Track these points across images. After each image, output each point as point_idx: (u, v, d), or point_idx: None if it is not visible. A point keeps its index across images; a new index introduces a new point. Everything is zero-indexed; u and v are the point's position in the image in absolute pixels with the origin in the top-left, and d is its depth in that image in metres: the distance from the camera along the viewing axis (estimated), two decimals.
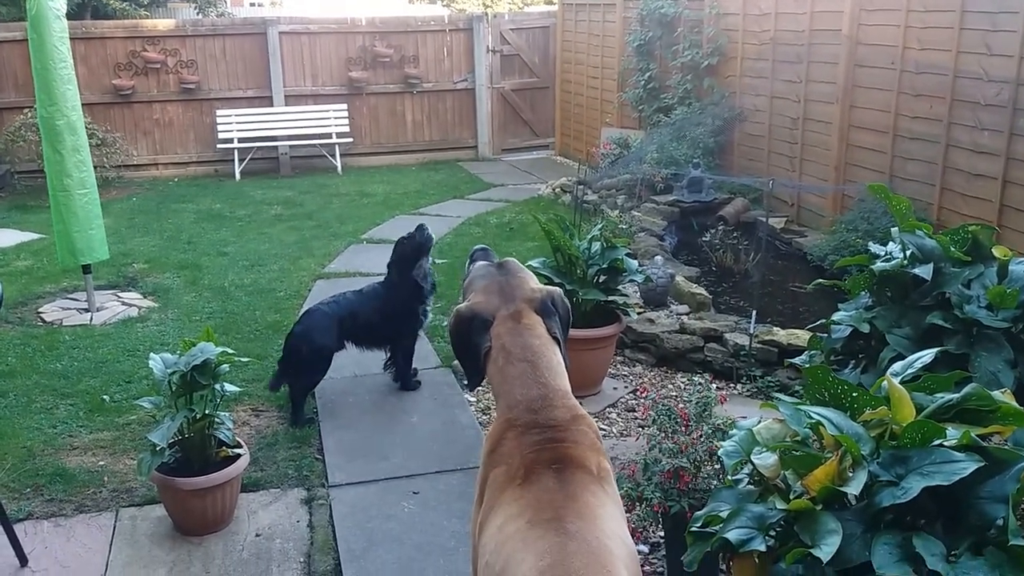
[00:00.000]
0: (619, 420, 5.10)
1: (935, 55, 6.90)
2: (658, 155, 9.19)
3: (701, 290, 6.46)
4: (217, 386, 4.10)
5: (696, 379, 5.57)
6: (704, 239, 7.94)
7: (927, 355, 2.80)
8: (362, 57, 13.59)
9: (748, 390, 5.38)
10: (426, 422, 5.15)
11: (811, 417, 2.57)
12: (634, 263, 5.34)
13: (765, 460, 2.72)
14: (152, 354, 4.16)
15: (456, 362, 5.86)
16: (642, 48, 11.03)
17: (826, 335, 4.27)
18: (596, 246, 5.25)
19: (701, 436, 3.68)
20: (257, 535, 4.14)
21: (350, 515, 4.25)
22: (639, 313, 5.72)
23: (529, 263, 5.48)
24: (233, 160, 12.68)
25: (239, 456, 4.18)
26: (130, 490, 4.48)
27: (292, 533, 4.15)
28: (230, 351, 4.15)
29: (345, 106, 13.40)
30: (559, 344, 2.46)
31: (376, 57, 13.59)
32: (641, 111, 11.11)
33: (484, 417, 5.20)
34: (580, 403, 2.42)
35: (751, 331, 5.48)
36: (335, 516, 4.25)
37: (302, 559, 3.96)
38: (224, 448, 4.18)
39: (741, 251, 7.63)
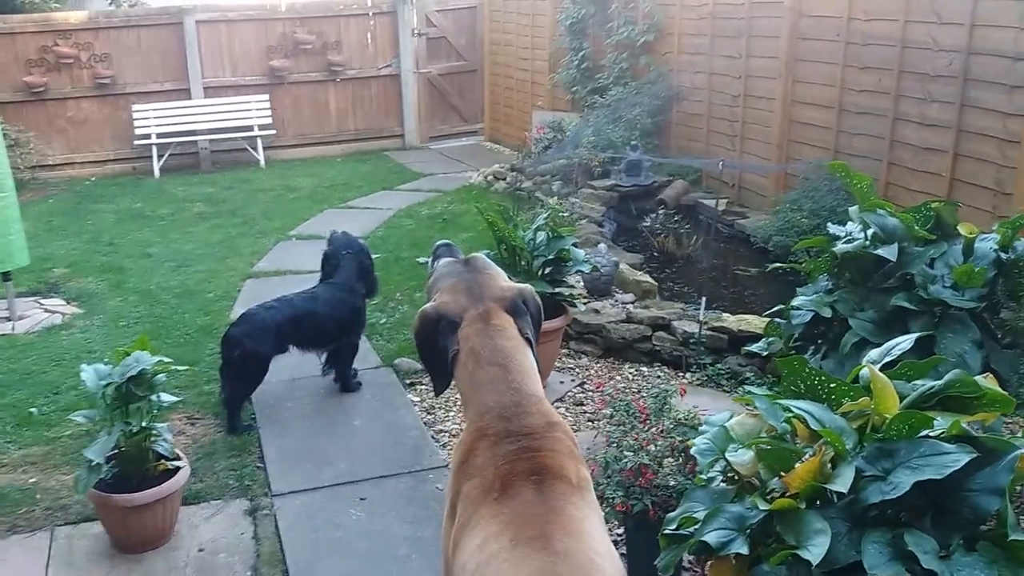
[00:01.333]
0: (568, 415, 4.99)
1: (882, 25, 6.89)
2: (595, 138, 9.08)
3: (646, 278, 6.39)
4: (154, 397, 3.89)
5: (644, 370, 5.55)
6: (645, 224, 7.87)
7: (905, 341, 2.75)
8: (283, 45, 13.18)
9: (699, 379, 5.32)
10: (370, 425, 4.97)
11: (791, 411, 2.48)
12: (581, 253, 5.23)
13: (741, 457, 2.64)
14: (84, 365, 3.94)
15: (398, 361, 5.68)
16: (575, 27, 10.91)
17: (784, 321, 4.23)
18: (541, 236, 5.13)
19: (663, 431, 3.59)
20: (200, 550, 3.94)
21: (296, 525, 4.07)
22: (584, 303, 5.61)
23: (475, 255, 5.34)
24: (152, 157, 12.18)
25: (179, 469, 4.00)
26: (65, 507, 4.24)
27: (237, 546, 3.96)
28: (166, 360, 3.93)
29: (267, 97, 12.99)
30: (531, 345, 2.33)
31: (297, 44, 13.20)
32: (575, 93, 11.00)
33: (429, 417, 5.04)
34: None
35: (700, 318, 5.42)
36: (281, 527, 4.07)
37: (248, 573, 3.79)
38: (163, 461, 3.97)
39: (683, 235, 7.59)
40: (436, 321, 2.35)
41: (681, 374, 5.41)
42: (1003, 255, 3.82)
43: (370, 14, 13.61)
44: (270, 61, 13.08)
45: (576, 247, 5.26)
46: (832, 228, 4.27)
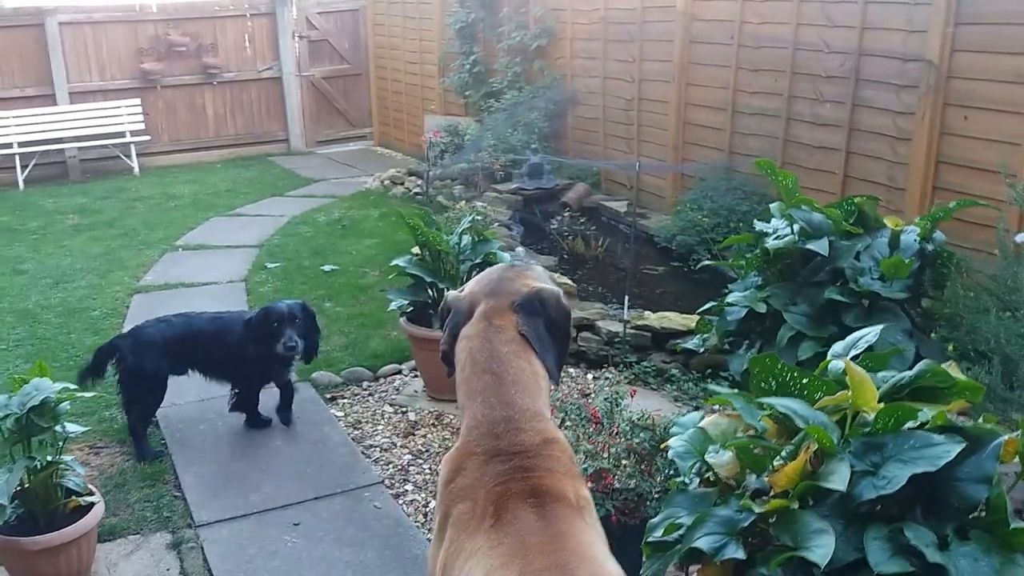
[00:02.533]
0: None
1: (774, 28, 7.07)
2: (495, 142, 9.02)
3: (566, 279, 6.36)
4: (58, 428, 3.56)
5: (572, 371, 5.51)
6: (552, 226, 7.87)
7: (870, 333, 2.77)
8: (155, 47, 12.60)
9: (626, 377, 5.31)
10: (293, 444, 4.74)
11: (771, 409, 2.46)
12: (507, 256, 5.14)
13: (720, 458, 2.60)
14: None
15: (315, 375, 5.46)
16: (464, 31, 10.82)
17: (717, 317, 4.26)
18: (466, 240, 5.01)
19: (617, 433, 3.54)
20: None
21: (228, 556, 3.82)
22: None
23: (395, 262, 5.18)
24: (15, 167, 11.39)
25: (92, 505, 3.67)
26: None
27: None
28: (71, 386, 3.60)
29: (139, 101, 12.38)
30: (536, 353, 2.17)
31: (171, 47, 12.66)
32: (468, 97, 10.91)
33: (356, 432, 4.85)
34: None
35: (624, 317, 5.42)
36: (210, 559, 3.80)
37: None
38: (74, 497, 3.64)
39: (591, 236, 7.62)
40: (447, 311, 2.23)
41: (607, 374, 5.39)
42: (928, 247, 3.96)
43: (247, 15, 13.18)
44: (141, 64, 12.51)
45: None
46: (758, 225, 4.32)
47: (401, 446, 4.68)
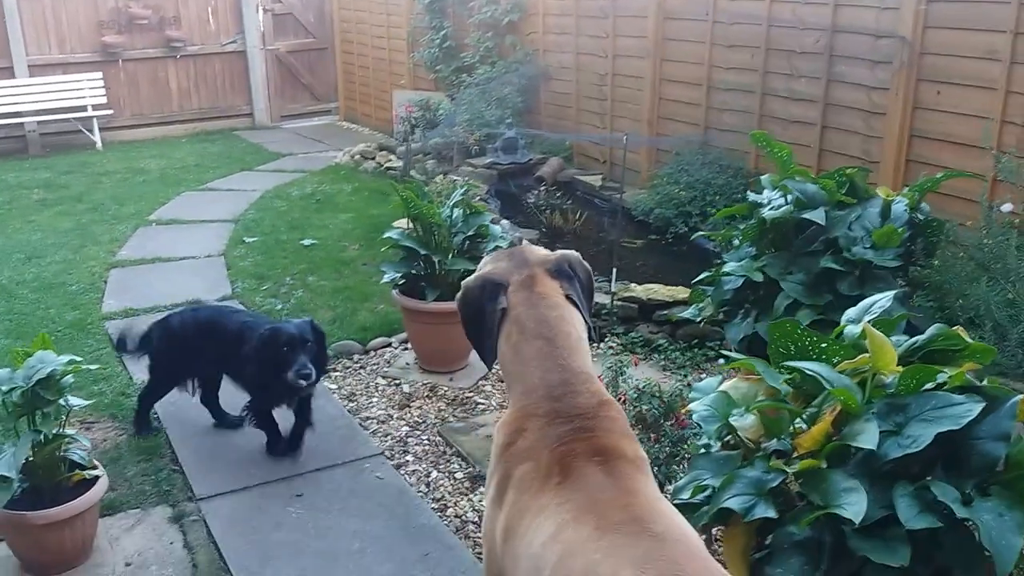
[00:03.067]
0: (495, 392, 4.89)
1: (749, 5, 7.11)
2: (468, 116, 8.97)
3: None
4: (62, 401, 3.49)
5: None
6: (529, 200, 7.87)
7: (884, 298, 2.82)
8: (116, 20, 12.28)
9: (614, 348, 5.36)
10: (289, 418, 4.66)
11: (803, 372, 2.50)
12: (498, 229, 5.13)
13: (744, 421, 2.65)
14: None
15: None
16: (434, 5, 10.70)
17: (712, 287, 4.31)
18: (458, 212, 4.99)
19: (624, 401, 3.57)
20: (127, 564, 3.61)
21: (232, 529, 3.79)
22: None
23: (388, 234, 5.15)
24: None
25: (96, 479, 3.61)
26: None
27: (168, 557, 3.64)
28: (78, 359, 3.53)
29: (100, 74, 12.06)
30: (581, 314, 2.21)
31: (132, 19, 12.34)
32: (438, 72, 10.79)
33: (351, 404, 4.83)
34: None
35: (611, 289, 5.45)
36: (214, 532, 3.77)
37: None
38: (78, 471, 3.58)
39: (568, 210, 7.63)
40: (481, 288, 2.21)
41: (597, 344, 5.43)
42: (918, 216, 4.04)
43: None
44: (102, 37, 12.20)
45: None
46: (752, 196, 4.38)
47: (398, 418, 4.67)
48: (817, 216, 3.91)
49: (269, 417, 4.32)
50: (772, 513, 2.35)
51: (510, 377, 2.18)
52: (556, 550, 1.78)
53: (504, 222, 6.39)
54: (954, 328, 2.68)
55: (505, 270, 2.23)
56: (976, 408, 2.27)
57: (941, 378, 2.43)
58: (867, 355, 2.51)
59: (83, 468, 3.63)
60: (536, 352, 2.11)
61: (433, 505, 3.92)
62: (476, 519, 3.81)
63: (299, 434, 4.36)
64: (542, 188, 7.95)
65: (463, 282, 2.30)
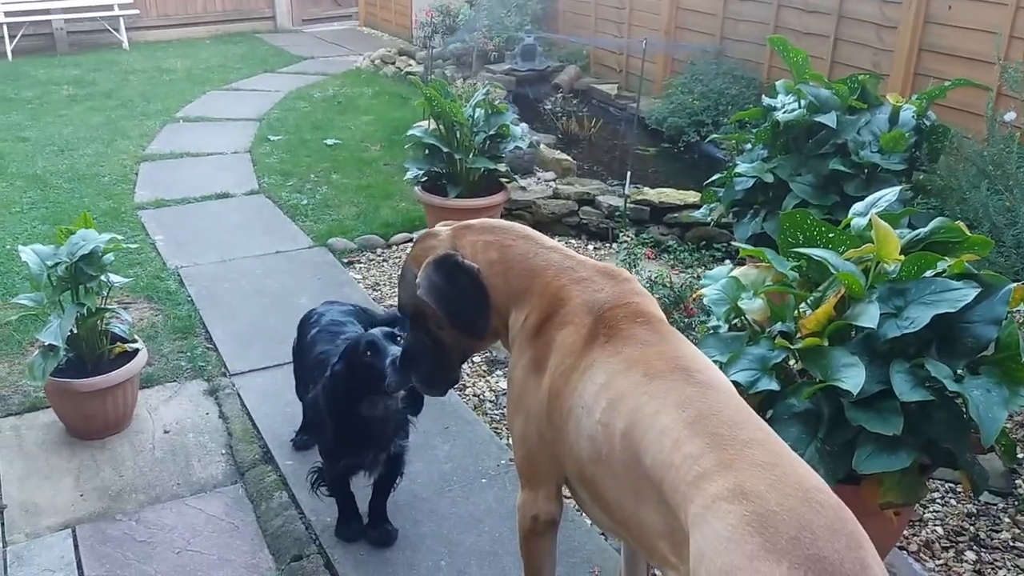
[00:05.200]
0: None
1: None
2: (488, 22, 8.83)
3: (565, 156, 6.37)
4: (103, 277, 3.57)
5: (573, 242, 5.59)
6: (546, 107, 7.82)
7: (889, 193, 2.86)
8: None
9: (624, 249, 5.40)
10: (317, 303, 4.76)
11: (811, 257, 2.56)
12: (519, 129, 5.13)
13: (752, 304, 2.71)
14: (21, 246, 3.53)
15: (332, 241, 5.48)
16: None
17: (723, 188, 4.33)
18: (480, 112, 4.98)
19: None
20: (166, 432, 3.74)
21: (264, 402, 3.91)
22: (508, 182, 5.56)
23: (411, 131, 5.16)
24: (3, 37, 10.94)
25: (137, 351, 3.71)
26: (2, 398, 3.92)
27: (204, 426, 3.78)
28: (119, 237, 3.60)
29: None
30: None
31: None
32: None
33: (375, 293, 4.92)
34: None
35: (625, 192, 5.47)
36: (248, 404, 3.89)
37: (223, 451, 3.61)
38: (119, 344, 3.69)
39: (584, 118, 7.59)
40: (443, 263, 2.18)
41: (608, 244, 5.48)
42: (925, 122, 4.03)
43: None
44: None
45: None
46: (766, 100, 4.36)
47: None
48: (829, 120, 3.90)
49: (343, 483, 3.05)
50: (775, 386, 2.44)
51: (513, 298, 2.17)
52: (607, 396, 1.84)
53: (523, 125, 6.35)
54: (955, 222, 2.73)
55: (441, 244, 2.25)
56: (972, 293, 2.33)
57: (941, 266, 2.49)
58: (871, 245, 2.56)
59: (124, 341, 3.73)
60: (526, 250, 2.17)
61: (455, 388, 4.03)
62: (493, 398, 3.93)
63: (382, 498, 3.09)
64: (559, 95, 7.90)
65: (419, 279, 2.19)
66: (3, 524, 3.15)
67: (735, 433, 1.61)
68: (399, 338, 2.70)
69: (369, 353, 2.67)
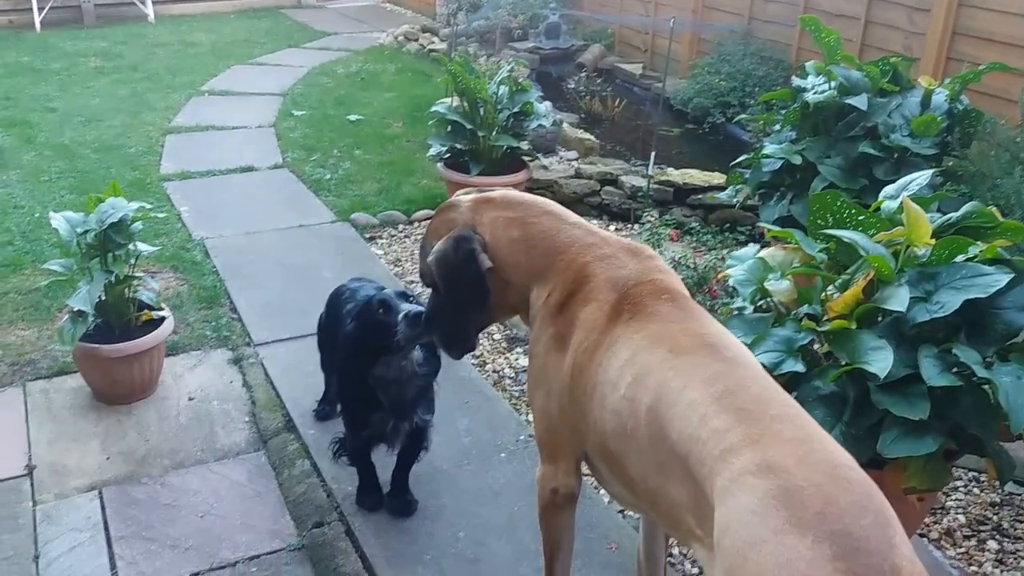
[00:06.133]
0: None
1: None
2: (513, 0, 8.77)
3: (588, 135, 6.33)
4: (131, 245, 3.59)
5: (594, 222, 5.55)
6: (570, 86, 7.76)
7: (921, 176, 2.82)
8: None
9: (647, 230, 5.37)
10: (340, 277, 4.72)
11: (840, 239, 2.53)
12: (543, 107, 5.10)
13: (779, 286, 2.69)
14: (52, 213, 3.55)
15: (354, 216, 5.48)
16: None
17: (749, 170, 4.29)
18: (504, 89, 4.95)
19: None
20: (190, 399, 3.77)
21: (288, 372, 3.93)
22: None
23: (435, 107, 5.14)
24: (31, 9, 10.96)
25: (163, 319, 3.74)
26: (32, 362, 3.95)
27: (228, 394, 3.81)
28: (147, 206, 3.61)
29: None
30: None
31: None
32: None
33: (397, 269, 4.92)
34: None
35: (649, 172, 5.43)
36: (271, 374, 3.92)
37: (247, 419, 3.64)
38: (146, 311, 3.71)
39: (608, 97, 7.53)
40: (455, 248, 2.16)
41: (630, 225, 5.45)
42: (957, 107, 3.97)
43: None
44: None
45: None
46: (796, 81, 4.30)
47: None
48: (859, 102, 3.85)
49: (363, 450, 3.03)
50: (800, 368, 2.42)
51: (534, 275, 2.14)
52: (632, 371, 1.83)
53: (547, 103, 6.31)
54: (987, 207, 2.69)
55: (462, 219, 2.22)
56: (1004, 279, 2.29)
57: (973, 251, 2.45)
58: (902, 228, 2.53)
59: (151, 309, 3.77)
60: (550, 227, 2.14)
61: (473, 361, 4.04)
62: (512, 375, 3.93)
63: (405, 470, 3.09)
64: (583, 74, 7.83)
65: (431, 258, 2.22)
66: (32, 484, 3.19)
67: (763, 409, 1.60)
68: (411, 298, 2.73)
69: (382, 311, 2.68)
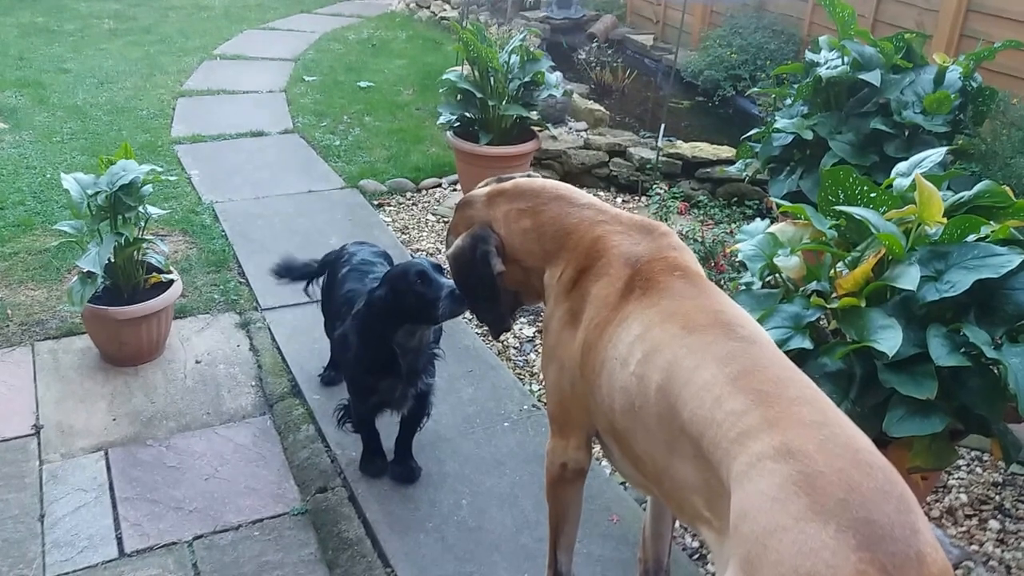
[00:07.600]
0: None
1: None
2: None
3: (598, 106, 6.23)
4: (141, 208, 3.53)
5: (601, 194, 5.49)
6: (580, 56, 7.64)
7: (935, 154, 2.74)
8: None
9: (655, 202, 5.30)
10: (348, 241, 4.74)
11: (852, 216, 2.46)
12: (554, 77, 4.99)
13: (788, 262, 2.63)
14: (63, 174, 3.49)
15: (363, 182, 5.41)
16: None
17: (760, 144, 4.21)
18: (515, 59, 4.85)
19: None
20: (197, 362, 3.74)
21: (294, 337, 3.89)
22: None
23: (446, 75, 5.05)
24: None
25: (172, 282, 3.69)
26: (41, 322, 3.91)
27: (235, 358, 3.77)
28: (158, 169, 3.55)
29: None
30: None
31: None
32: None
33: (404, 237, 4.86)
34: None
35: (659, 144, 5.34)
36: (278, 338, 3.88)
37: (253, 383, 3.61)
38: (155, 274, 3.67)
39: (618, 68, 7.41)
40: (472, 246, 2.16)
41: (638, 198, 5.38)
42: (971, 84, 3.87)
43: None
44: None
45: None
46: (810, 56, 4.20)
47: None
48: (873, 77, 3.75)
49: (367, 420, 3.02)
50: (808, 344, 2.36)
51: (547, 258, 2.12)
52: (642, 347, 1.77)
53: (557, 73, 6.20)
54: (1000, 186, 2.61)
55: (480, 217, 2.21)
56: (1016, 259, 2.23)
57: (985, 231, 2.38)
58: (914, 206, 2.46)
59: (159, 271, 3.72)
60: (560, 211, 2.11)
61: (477, 331, 4.00)
62: (517, 344, 3.89)
63: (408, 437, 3.07)
64: (594, 44, 7.70)
65: (450, 253, 2.24)
66: (39, 444, 3.17)
67: (781, 390, 1.53)
68: (444, 271, 2.65)
69: (420, 282, 2.62)
